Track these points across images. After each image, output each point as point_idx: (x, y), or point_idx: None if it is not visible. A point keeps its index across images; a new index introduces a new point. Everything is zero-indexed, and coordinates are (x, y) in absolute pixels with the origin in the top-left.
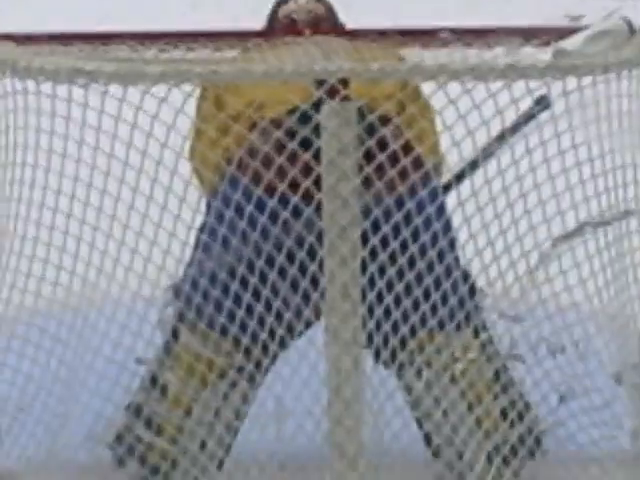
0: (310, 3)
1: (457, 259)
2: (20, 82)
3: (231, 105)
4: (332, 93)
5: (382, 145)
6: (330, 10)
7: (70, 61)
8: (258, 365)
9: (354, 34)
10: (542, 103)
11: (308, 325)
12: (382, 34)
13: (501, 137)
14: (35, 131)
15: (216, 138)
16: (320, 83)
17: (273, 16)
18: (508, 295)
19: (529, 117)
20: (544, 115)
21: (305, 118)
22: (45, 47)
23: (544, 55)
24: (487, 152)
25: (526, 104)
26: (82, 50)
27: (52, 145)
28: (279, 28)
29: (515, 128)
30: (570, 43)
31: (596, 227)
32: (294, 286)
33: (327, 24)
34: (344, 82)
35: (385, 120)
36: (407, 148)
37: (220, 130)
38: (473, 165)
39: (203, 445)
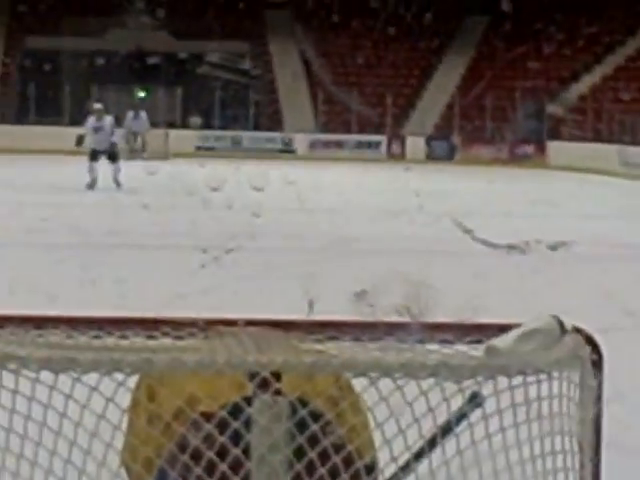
0: None
1: None
2: None
3: (163, 396)
4: (264, 386)
5: (313, 441)
6: None
7: (1, 345)
8: None
9: (289, 325)
10: (474, 401)
11: None
12: (316, 325)
13: (433, 439)
14: None
15: (147, 430)
16: (253, 376)
17: None
18: None
19: (461, 416)
20: (475, 414)
21: (237, 411)
22: None
23: (476, 353)
24: (419, 454)
25: (458, 402)
26: (15, 334)
27: None
28: None
29: (447, 428)
30: (502, 341)
31: None
32: None
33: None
34: (277, 375)
35: (317, 415)
36: (339, 445)
37: (151, 422)
38: (405, 467)
39: None
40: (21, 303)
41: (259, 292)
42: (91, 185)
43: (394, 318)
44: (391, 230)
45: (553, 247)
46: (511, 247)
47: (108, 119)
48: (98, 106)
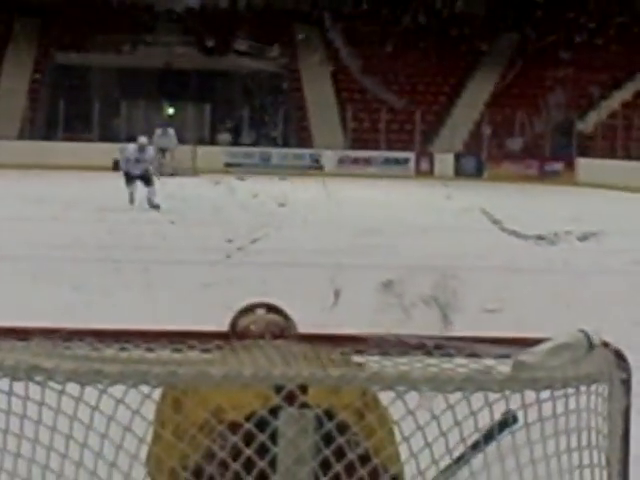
0: (268, 314)
1: None
2: None
3: (189, 408)
4: (291, 399)
5: (340, 454)
6: (288, 320)
7: (29, 357)
8: None
9: (315, 339)
10: (507, 419)
11: None
12: (343, 339)
13: (462, 457)
14: None
15: (173, 442)
16: (279, 388)
17: (232, 328)
18: None
19: (492, 434)
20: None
21: (263, 424)
22: (5, 342)
23: (503, 367)
24: (447, 469)
25: (485, 416)
26: (42, 346)
27: (5, 444)
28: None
29: (476, 445)
30: (530, 355)
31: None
32: None
33: (286, 334)
34: (303, 388)
35: (343, 428)
36: (365, 458)
37: (177, 434)
38: None
39: None
40: (44, 293)
41: (285, 281)
42: (131, 200)
43: (421, 309)
44: (420, 225)
45: (582, 238)
46: (540, 238)
47: (150, 151)
48: (143, 140)
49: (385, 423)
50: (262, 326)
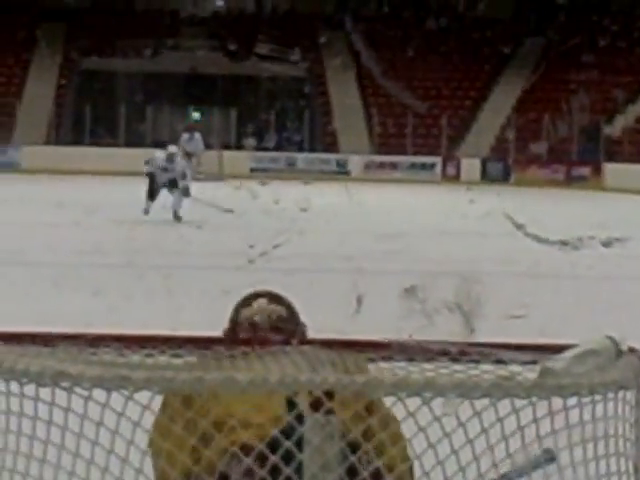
0: (270, 305)
1: None
2: (3, 383)
3: (207, 409)
4: (316, 405)
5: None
6: (291, 310)
7: (55, 363)
8: None
9: (338, 345)
10: (545, 458)
11: None
12: (367, 345)
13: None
14: (15, 435)
15: (185, 440)
16: (291, 404)
17: (234, 319)
18: None
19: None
20: (530, 433)
21: (289, 430)
22: (31, 348)
23: (530, 373)
24: None
25: (512, 423)
26: (68, 352)
27: (32, 450)
28: (241, 331)
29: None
30: (557, 362)
31: None
32: None
33: (289, 325)
34: (329, 394)
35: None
36: (388, 467)
37: (188, 429)
38: None
39: None
40: (65, 299)
41: (307, 287)
42: (146, 211)
43: (444, 315)
44: (443, 230)
45: (607, 243)
46: (564, 243)
47: (181, 163)
48: (172, 149)
49: (396, 440)
50: (265, 318)
